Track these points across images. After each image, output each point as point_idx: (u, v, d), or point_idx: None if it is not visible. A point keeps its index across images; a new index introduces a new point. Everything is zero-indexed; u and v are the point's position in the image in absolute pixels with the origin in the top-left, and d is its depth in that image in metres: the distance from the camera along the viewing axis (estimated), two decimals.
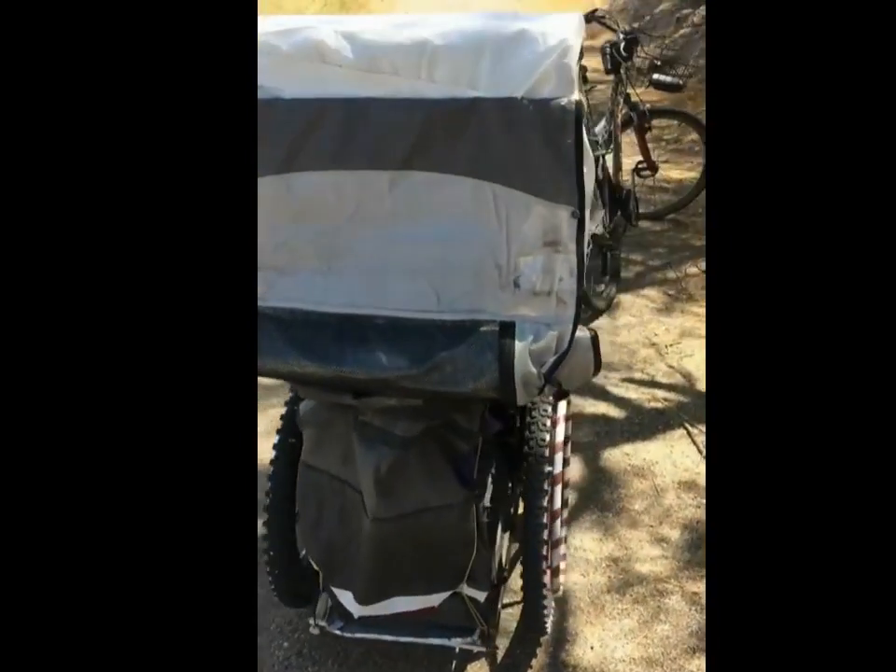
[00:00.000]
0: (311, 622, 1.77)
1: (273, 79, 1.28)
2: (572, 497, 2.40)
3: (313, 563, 1.62)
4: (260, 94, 1.29)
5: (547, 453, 1.60)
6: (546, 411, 1.64)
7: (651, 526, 2.29)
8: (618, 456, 2.59)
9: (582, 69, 1.64)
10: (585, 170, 1.28)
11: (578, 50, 1.20)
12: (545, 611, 1.68)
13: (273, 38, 1.26)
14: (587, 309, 3.42)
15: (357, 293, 1.33)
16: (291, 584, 1.75)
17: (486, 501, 1.61)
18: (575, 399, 2.89)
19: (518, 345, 1.25)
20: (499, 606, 1.74)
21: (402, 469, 1.42)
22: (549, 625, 1.78)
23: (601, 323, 3.43)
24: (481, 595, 1.60)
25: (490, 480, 1.64)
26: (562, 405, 1.75)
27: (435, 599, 1.58)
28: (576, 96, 1.19)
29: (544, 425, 1.62)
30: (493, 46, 1.19)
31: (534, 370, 1.26)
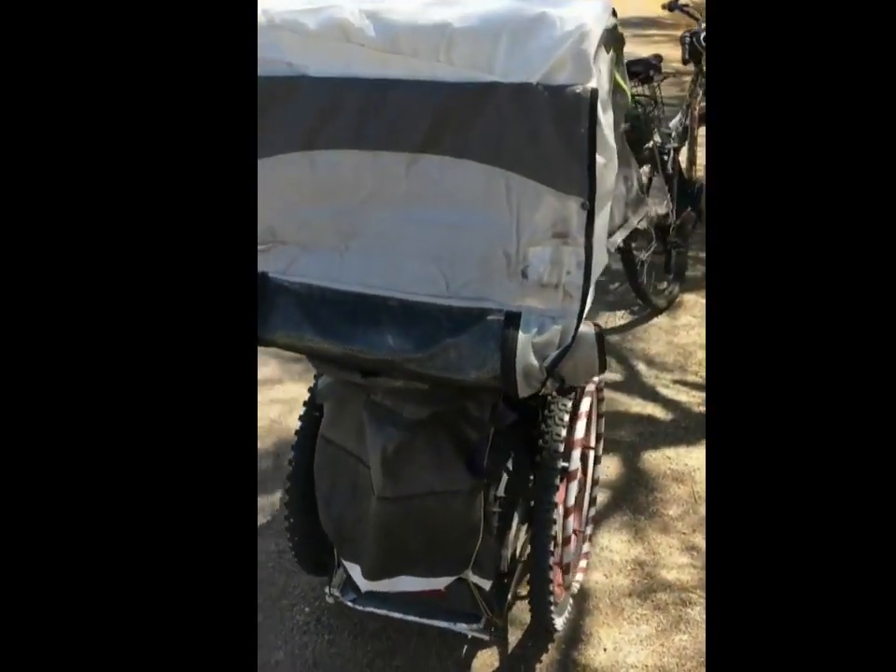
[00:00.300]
0: (327, 591, 1.81)
1: (301, 57, 1.30)
2: (605, 496, 2.36)
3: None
4: (288, 71, 1.31)
5: (561, 448, 1.58)
6: (565, 406, 1.62)
7: (684, 534, 2.22)
8: (659, 459, 2.52)
9: (618, 59, 1.59)
10: (603, 161, 1.25)
11: (597, 37, 1.17)
12: (551, 608, 1.66)
13: (301, 16, 1.28)
14: (646, 305, 3.34)
15: (371, 274, 1.34)
16: (311, 552, 1.79)
17: (500, 491, 1.60)
18: (621, 398, 2.83)
19: (521, 337, 1.23)
20: (509, 597, 1.73)
21: (409, 451, 1.43)
22: (558, 622, 1.76)
23: (660, 321, 3.33)
24: (486, 584, 1.59)
25: (506, 471, 1.64)
26: (585, 401, 1.72)
27: (440, 583, 1.59)
28: (593, 84, 1.16)
29: (561, 420, 1.60)
30: (510, 29, 1.17)
31: (536, 362, 1.24)
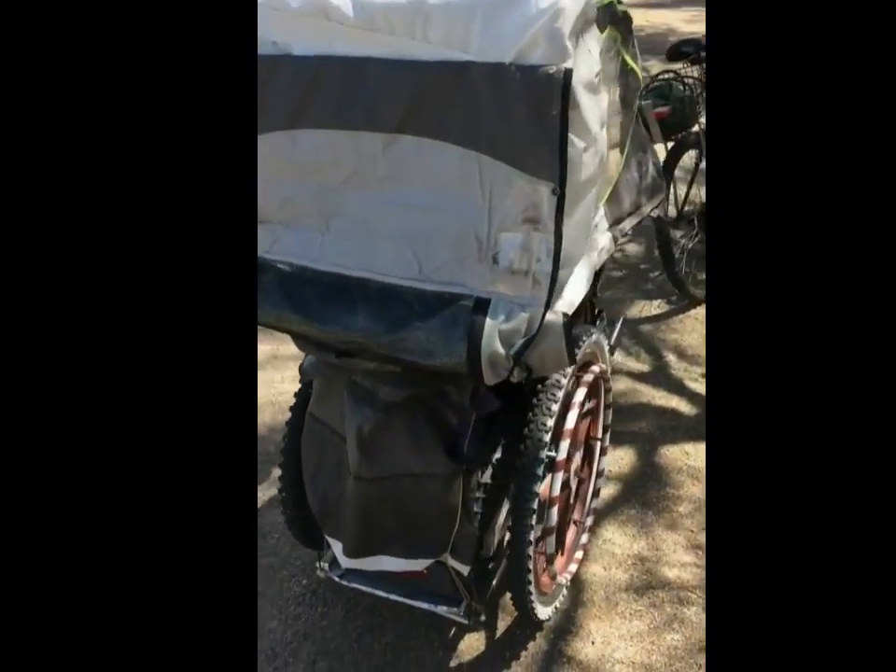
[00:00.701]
0: (317, 565, 1.84)
1: (285, 35, 1.30)
2: (615, 489, 2.32)
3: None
4: (273, 50, 1.31)
5: (547, 438, 1.55)
6: (554, 395, 1.58)
7: (691, 532, 2.16)
8: (676, 454, 2.46)
9: (628, 37, 1.52)
10: (583, 145, 1.20)
11: (574, 14, 1.12)
12: (531, 597, 1.64)
13: None
14: (683, 296, 3.24)
15: (348, 254, 1.34)
16: (303, 526, 1.82)
17: (484, 478, 1.59)
18: (645, 388, 2.77)
19: (488, 323, 1.21)
20: (494, 583, 1.73)
21: (385, 432, 1.43)
22: (542, 612, 1.74)
23: (697, 312, 3.23)
24: (464, 569, 1.59)
25: (493, 457, 1.62)
26: (580, 391, 1.68)
27: (418, 564, 1.59)
28: (568, 64, 1.12)
29: (548, 409, 1.57)
30: (485, 7, 1.13)
31: (502, 350, 1.22)
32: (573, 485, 1.85)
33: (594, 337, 1.79)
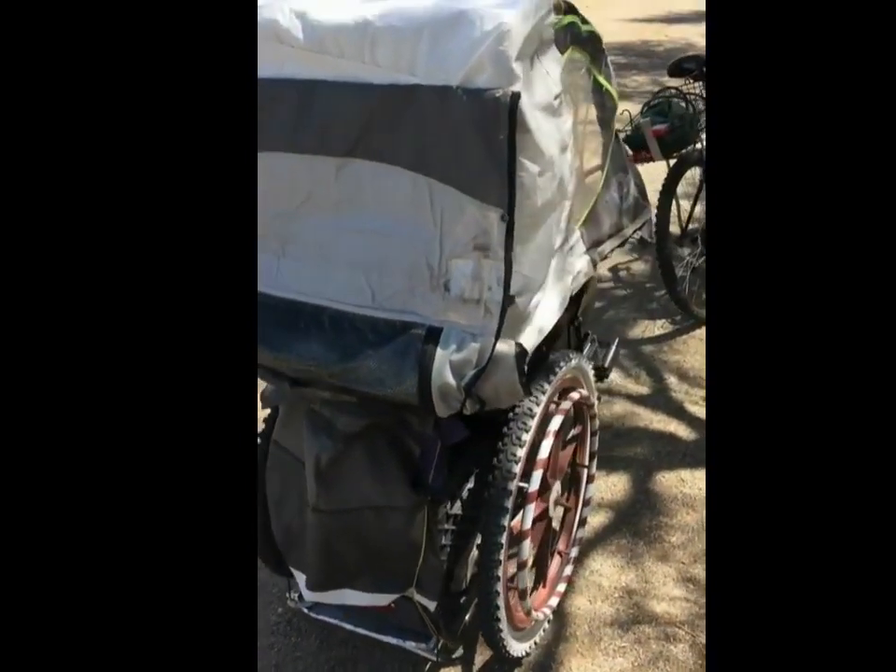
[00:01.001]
0: (287, 595, 1.80)
1: None
2: (605, 517, 2.25)
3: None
4: None
5: (516, 468, 1.50)
6: (524, 424, 1.53)
7: (683, 564, 2.08)
8: (671, 481, 2.38)
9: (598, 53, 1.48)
10: (537, 169, 1.16)
11: (521, 36, 1.08)
12: (500, 634, 1.58)
13: None
14: (687, 316, 3.17)
15: (304, 281, 1.30)
16: (271, 553, 1.77)
17: (454, 509, 1.54)
18: (643, 412, 2.69)
19: (439, 353, 1.17)
20: (466, 618, 1.67)
21: (343, 463, 1.39)
22: (515, 649, 1.68)
23: (700, 333, 3.15)
24: (431, 605, 1.53)
25: (464, 487, 1.58)
26: (556, 420, 1.62)
27: (383, 599, 1.54)
28: (516, 87, 1.07)
29: (518, 438, 1.51)
30: (431, 28, 1.10)
31: (453, 381, 1.17)
32: (554, 515, 1.79)
33: (573, 362, 1.73)
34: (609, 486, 2.36)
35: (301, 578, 1.59)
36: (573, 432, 1.96)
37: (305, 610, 1.74)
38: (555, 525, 1.87)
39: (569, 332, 1.90)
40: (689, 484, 2.36)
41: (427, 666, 1.83)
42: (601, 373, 2.34)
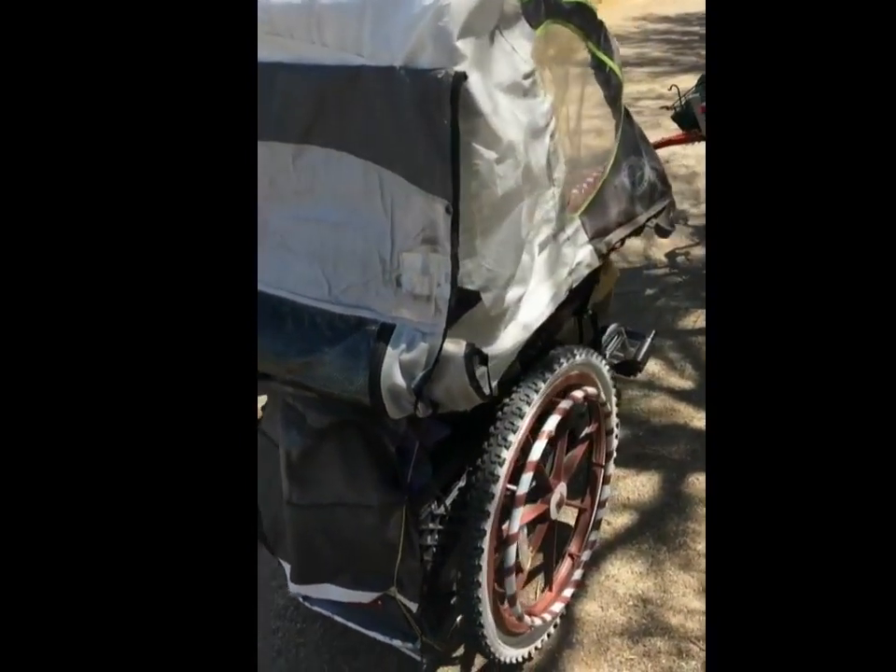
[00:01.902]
0: (289, 582, 1.79)
1: None
2: (628, 519, 2.14)
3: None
4: None
5: (500, 471, 1.42)
6: (513, 424, 1.45)
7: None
8: (705, 485, 2.23)
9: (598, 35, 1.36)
10: (494, 156, 1.07)
11: (464, 10, 0.98)
12: (485, 640, 1.52)
13: None
14: None
15: (267, 271, 1.26)
16: (264, 539, 1.77)
17: (440, 509, 1.48)
18: (683, 408, 2.55)
19: (389, 353, 1.11)
20: (456, 620, 1.61)
21: (314, 458, 1.36)
22: (505, 654, 1.61)
23: None
24: (413, 606, 1.49)
25: (453, 487, 1.52)
26: (552, 420, 1.54)
27: (365, 597, 1.51)
28: (461, 67, 0.99)
29: (504, 439, 1.44)
30: (374, 5, 1.02)
31: (402, 383, 1.11)
32: (555, 517, 1.70)
33: (578, 358, 1.63)
34: (636, 486, 2.24)
35: (287, 569, 1.58)
36: (587, 430, 1.87)
37: (301, 599, 1.73)
38: (565, 526, 1.78)
39: (580, 326, 1.79)
40: None
41: (426, 665, 1.79)
42: (632, 368, 2.22)
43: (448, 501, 1.51)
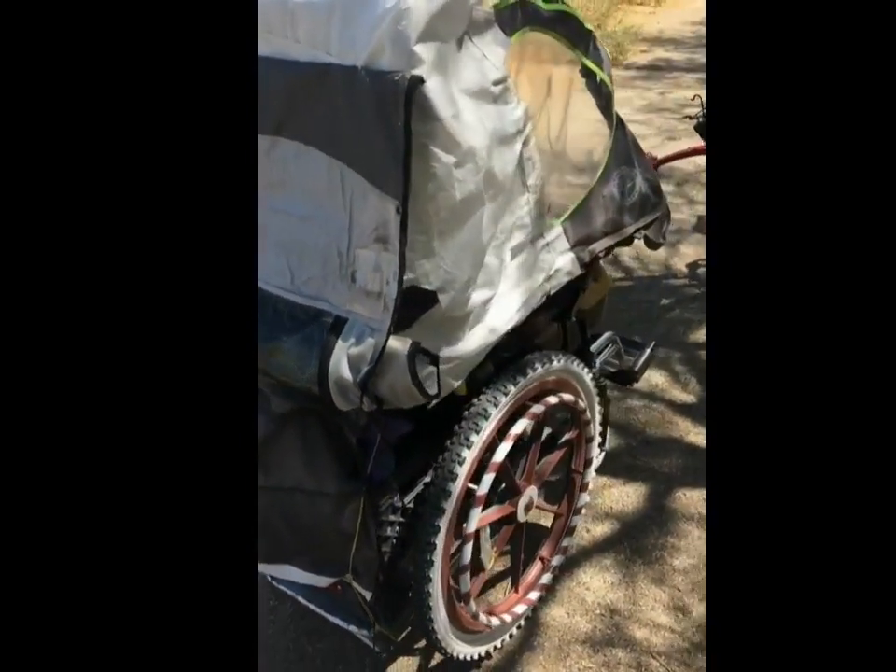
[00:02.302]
0: None
1: None
2: (608, 528, 2.13)
3: None
4: None
5: (459, 469, 1.44)
6: (476, 425, 1.46)
7: (678, 590, 1.94)
8: (692, 500, 2.21)
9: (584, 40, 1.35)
10: (452, 160, 1.08)
11: (425, 15, 0.99)
12: (435, 636, 1.54)
13: None
14: None
15: None
16: None
17: (403, 502, 1.51)
18: (681, 421, 2.52)
19: (338, 345, 1.13)
20: (410, 613, 1.64)
21: (276, 443, 1.39)
22: (458, 650, 1.63)
23: None
24: (367, 594, 1.51)
25: (419, 481, 1.54)
26: (520, 423, 1.55)
27: (322, 581, 1.54)
28: (419, 71, 1.00)
29: (467, 439, 1.45)
30: (342, 6, 1.04)
31: (349, 376, 1.13)
32: (522, 520, 1.71)
33: (556, 364, 1.63)
34: (621, 496, 2.24)
35: None
36: (567, 437, 1.87)
37: (269, 578, 1.77)
38: (541, 529, 1.79)
39: (564, 332, 1.78)
40: None
41: (381, 652, 1.82)
42: (627, 377, 2.21)
43: (412, 495, 1.53)
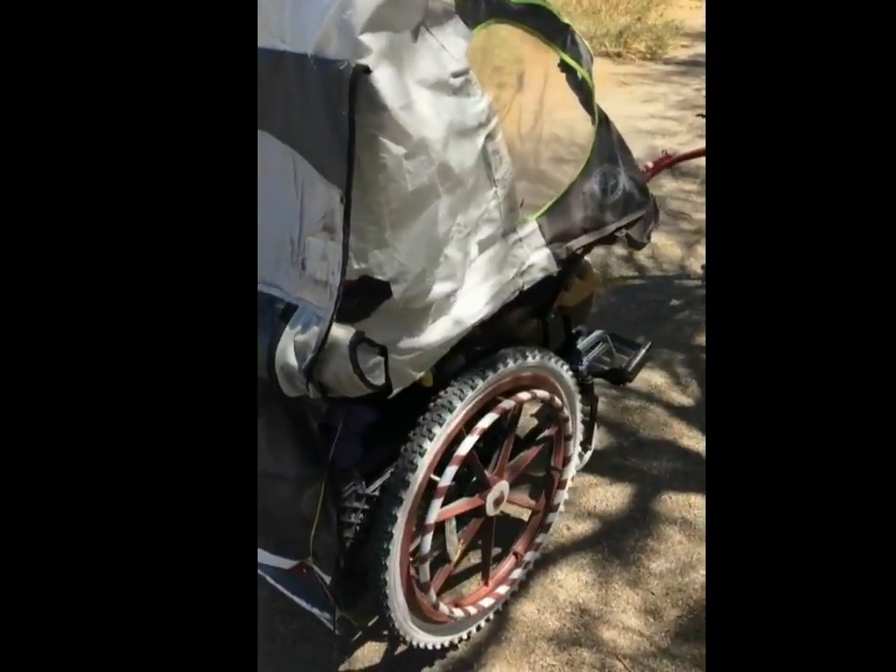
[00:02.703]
0: None
1: None
2: (589, 526, 2.12)
3: None
4: None
5: (419, 460, 1.44)
6: (440, 417, 1.47)
7: (652, 594, 1.92)
8: (676, 504, 2.19)
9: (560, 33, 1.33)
10: (402, 151, 1.08)
11: (371, 5, 0.99)
12: (393, 623, 1.55)
13: None
14: None
15: None
16: None
17: (368, 490, 1.52)
18: (677, 424, 2.49)
19: (287, 332, 1.14)
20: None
21: None
22: (419, 639, 1.64)
23: None
24: (327, 578, 1.53)
25: (384, 470, 1.55)
26: (488, 417, 1.54)
27: (284, 563, 1.56)
28: (366, 60, 1.00)
29: (429, 430, 1.45)
30: None
31: (294, 363, 1.14)
32: (491, 514, 1.71)
33: (531, 360, 1.62)
34: (606, 496, 2.22)
35: None
36: (546, 433, 1.86)
37: None
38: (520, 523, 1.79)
39: (545, 329, 1.77)
40: (695, 511, 2.16)
41: (357, 637, 1.84)
42: (619, 376, 2.18)
43: (378, 483, 1.54)
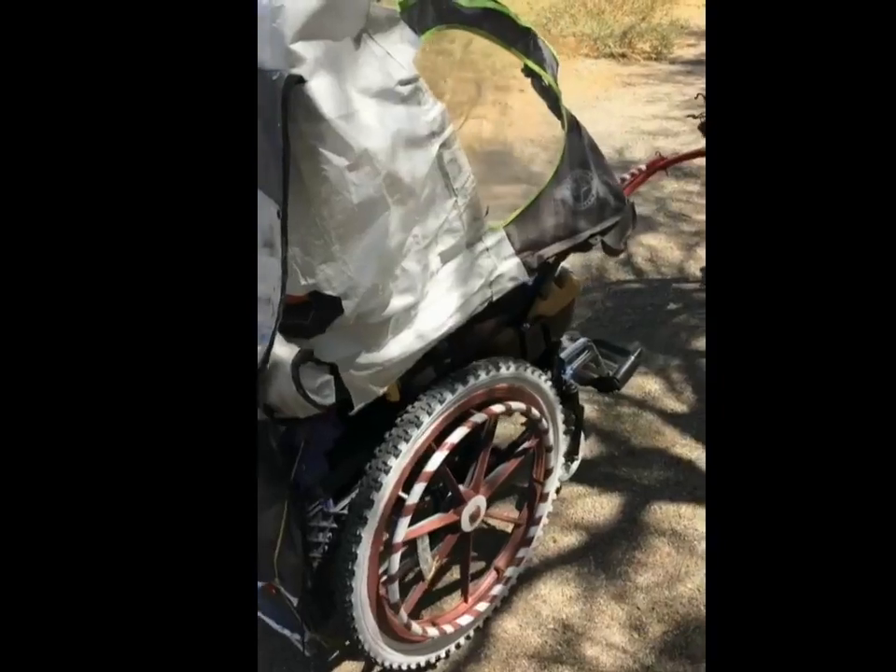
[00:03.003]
0: None
1: None
2: (575, 538, 2.07)
3: None
4: None
5: (385, 478, 1.40)
6: (407, 433, 1.43)
7: (638, 609, 1.87)
8: (666, 515, 2.13)
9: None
10: (344, 163, 1.05)
11: (302, 14, 0.96)
12: (362, 645, 1.52)
13: None
14: None
15: None
16: None
17: (336, 508, 1.49)
18: (669, 432, 2.43)
19: None
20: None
21: None
22: (390, 659, 1.60)
23: None
24: (294, 599, 1.50)
25: (352, 489, 1.51)
26: (459, 431, 1.50)
27: None
28: (300, 70, 0.96)
29: (395, 447, 1.41)
30: None
31: None
32: (467, 530, 1.67)
33: (504, 371, 1.58)
34: (594, 507, 2.17)
35: None
36: (525, 445, 1.81)
37: None
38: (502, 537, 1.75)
39: (522, 339, 1.72)
40: (685, 522, 2.11)
41: (334, 656, 1.80)
42: (607, 385, 2.13)
43: (345, 501, 1.50)
